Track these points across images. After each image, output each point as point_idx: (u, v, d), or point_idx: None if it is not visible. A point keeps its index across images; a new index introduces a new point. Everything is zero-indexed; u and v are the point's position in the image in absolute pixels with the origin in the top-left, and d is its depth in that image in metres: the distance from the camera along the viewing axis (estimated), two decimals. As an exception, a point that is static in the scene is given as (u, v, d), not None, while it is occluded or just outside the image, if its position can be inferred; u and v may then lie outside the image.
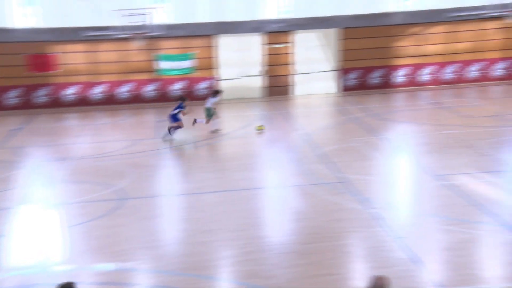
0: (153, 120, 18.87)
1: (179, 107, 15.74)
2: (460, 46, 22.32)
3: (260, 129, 16.09)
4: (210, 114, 16.30)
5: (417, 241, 8.83)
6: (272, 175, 12.78)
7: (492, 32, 22.14)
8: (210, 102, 16.42)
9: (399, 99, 20.94)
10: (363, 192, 10.96)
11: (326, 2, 22.12)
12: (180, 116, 15.76)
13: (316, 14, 22.05)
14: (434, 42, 22.26)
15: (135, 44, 21.07)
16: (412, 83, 22.61)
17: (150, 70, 21.76)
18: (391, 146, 14.45)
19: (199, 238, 9.21)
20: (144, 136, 16.55)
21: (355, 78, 22.62)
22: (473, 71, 22.46)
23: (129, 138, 16.37)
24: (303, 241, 9.02)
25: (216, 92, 16.75)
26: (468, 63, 22.45)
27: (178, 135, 15.81)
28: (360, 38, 22.28)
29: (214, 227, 9.69)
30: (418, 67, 22.51)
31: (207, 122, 16.37)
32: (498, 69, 22.45)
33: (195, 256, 8.65)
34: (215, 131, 16.31)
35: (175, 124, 15.74)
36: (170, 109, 16.30)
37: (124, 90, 21.82)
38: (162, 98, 21.85)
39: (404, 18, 22.11)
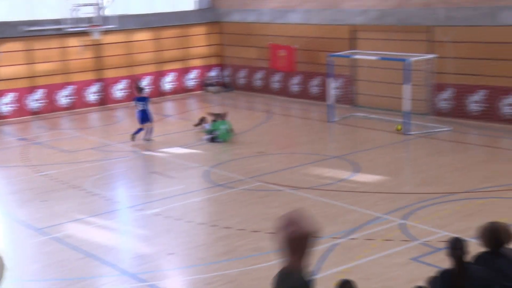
0: None
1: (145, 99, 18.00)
2: (43, 67, 22.77)
3: None
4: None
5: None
6: None
7: (76, 50, 23.40)
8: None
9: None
10: None
11: None
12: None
13: None
14: (10, 63, 22.05)
15: None
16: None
17: None
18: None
19: None
20: None
21: None
22: (63, 97, 23.30)
23: None
24: None
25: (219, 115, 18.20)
26: (55, 87, 23.13)
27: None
28: None
29: None
30: (-2, 95, 21.96)
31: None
32: (91, 93, 23.96)
33: None
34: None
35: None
36: None
37: None
38: None
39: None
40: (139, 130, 17.96)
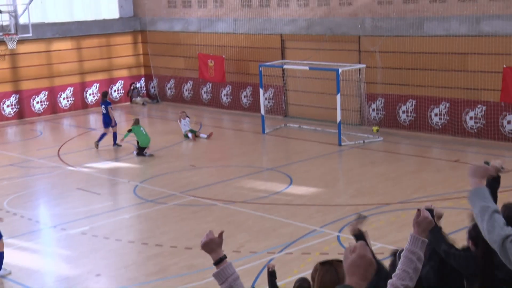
0: None
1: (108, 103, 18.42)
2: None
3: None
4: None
5: None
6: None
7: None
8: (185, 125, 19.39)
9: None
10: None
11: None
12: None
13: None
14: None
15: None
16: None
17: None
18: None
19: None
20: None
21: None
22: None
23: None
24: None
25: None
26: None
27: None
28: None
29: None
30: None
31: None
32: (7, 106, 23.00)
33: None
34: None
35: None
36: None
37: None
38: None
39: None
40: (102, 136, 18.17)
